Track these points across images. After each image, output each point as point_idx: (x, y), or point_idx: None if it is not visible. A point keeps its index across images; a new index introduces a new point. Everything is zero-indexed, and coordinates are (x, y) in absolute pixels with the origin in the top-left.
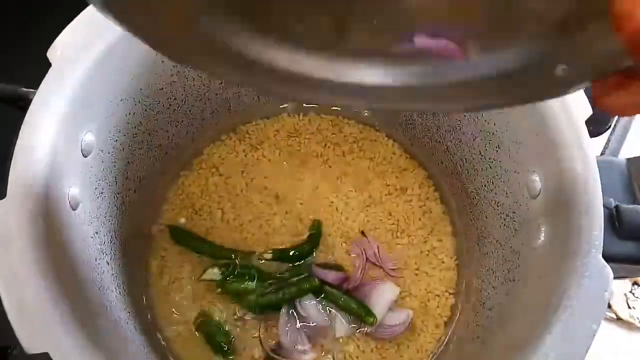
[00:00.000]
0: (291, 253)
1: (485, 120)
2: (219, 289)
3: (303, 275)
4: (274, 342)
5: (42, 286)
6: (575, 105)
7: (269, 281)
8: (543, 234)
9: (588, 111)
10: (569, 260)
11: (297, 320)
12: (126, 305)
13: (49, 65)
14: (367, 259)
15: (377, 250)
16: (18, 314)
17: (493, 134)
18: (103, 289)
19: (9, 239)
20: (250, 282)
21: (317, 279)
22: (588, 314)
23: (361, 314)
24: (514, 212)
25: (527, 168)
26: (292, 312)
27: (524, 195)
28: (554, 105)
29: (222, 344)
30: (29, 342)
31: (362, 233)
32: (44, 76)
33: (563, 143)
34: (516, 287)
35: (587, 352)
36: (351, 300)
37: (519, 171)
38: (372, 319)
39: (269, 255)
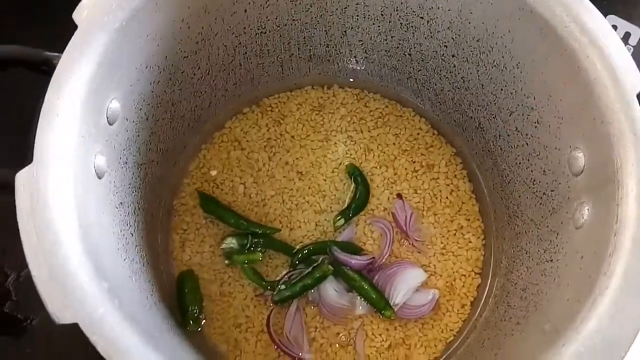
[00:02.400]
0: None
1: (524, 94)
2: (227, 261)
3: (316, 264)
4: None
5: (76, 252)
6: (627, 78)
7: (284, 273)
8: (587, 213)
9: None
10: (618, 237)
11: (302, 319)
12: (150, 277)
13: (74, 27)
14: (394, 230)
15: (409, 217)
16: (49, 281)
17: (532, 108)
18: (128, 260)
19: (41, 200)
20: (258, 254)
21: (331, 267)
22: (637, 294)
23: (380, 306)
24: (552, 191)
25: (570, 144)
26: (300, 308)
27: (564, 172)
28: (603, 77)
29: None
30: (59, 311)
31: (399, 195)
32: (68, 39)
33: (611, 118)
34: (554, 267)
35: (636, 335)
36: (372, 290)
37: (560, 147)
38: (389, 313)
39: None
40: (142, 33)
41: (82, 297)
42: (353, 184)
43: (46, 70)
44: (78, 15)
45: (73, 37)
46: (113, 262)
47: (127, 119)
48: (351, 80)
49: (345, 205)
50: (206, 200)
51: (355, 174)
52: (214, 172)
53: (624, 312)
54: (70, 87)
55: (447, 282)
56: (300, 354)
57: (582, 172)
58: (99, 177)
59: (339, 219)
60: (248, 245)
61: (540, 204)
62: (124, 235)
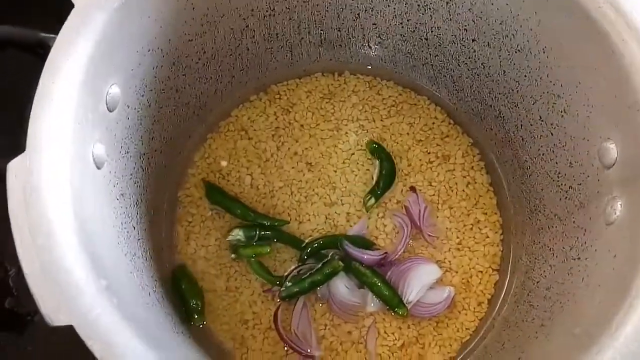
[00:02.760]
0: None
1: (550, 81)
2: (233, 255)
3: (327, 259)
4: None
5: (71, 246)
6: None
7: (292, 267)
8: (620, 208)
9: None
10: None
11: (309, 315)
12: (153, 272)
13: (71, 7)
14: (411, 224)
15: (423, 211)
16: (42, 279)
17: (559, 96)
18: (130, 255)
19: (34, 191)
20: (265, 247)
21: (341, 262)
22: None
23: (393, 304)
24: (580, 184)
25: (600, 134)
26: (307, 304)
27: (593, 165)
28: (638, 60)
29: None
30: (53, 312)
31: (412, 189)
32: (65, 20)
33: None
34: (582, 265)
35: None
36: (384, 287)
37: (589, 138)
38: (402, 311)
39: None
40: (144, 13)
41: (78, 297)
42: (377, 161)
43: (41, 52)
44: None
45: (69, 17)
46: (113, 258)
47: (129, 105)
48: (364, 66)
49: (374, 182)
50: (212, 190)
51: (377, 149)
52: (224, 163)
53: None
54: (66, 70)
55: (463, 279)
56: (308, 351)
57: (614, 164)
58: (98, 167)
59: (369, 199)
60: (256, 237)
61: (566, 198)
62: (125, 228)
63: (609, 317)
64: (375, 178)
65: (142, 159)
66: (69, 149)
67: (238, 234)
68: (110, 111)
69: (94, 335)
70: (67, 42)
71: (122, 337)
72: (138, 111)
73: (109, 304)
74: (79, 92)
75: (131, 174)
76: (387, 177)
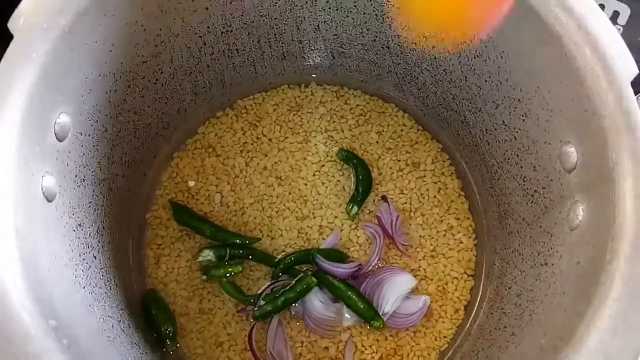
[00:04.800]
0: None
1: (510, 86)
2: (204, 276)
3: (300, 276)
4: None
5: (17, 289)
6: (619, 65)
7: (266, 285)
8: (582, 213)
9: (634, 71)
10: (616, 243)
11: (285, 334)
12: (118, 301)
13: (11, 37)
14: (383, 234)
15: (395, 220)
16: None
17: (519, 100)
18: (89, 287)
19: None
20: (237, 266)
21: (315, 279)
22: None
23: (368, 316)
24: (544, 188)
25: (560, 138)
26: (281, 322)
27: (555, 169)
28: (592, 65)
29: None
30: None
31: (384, 198)
32: (4, 51)
33: (604, 110)
34: (549, 272)
35: None
36: (359, 300)
37: (550, 142)
38: (378, 323)
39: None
40: (90, 39)
41: (25, 342)
42: (352, 168)
43: None
44: (14, 23)
45: (8, 49)
46: (67, 294)
47: (82, 132)
48: (330, 76)
49: (352, 189)
50: (179, 211)
51: (349, 156)
52: (192, 183)
53: (627, 327)
54: (7, 103)
55: (438, 287)
56: None
57: (574, 168)
58: (49, 200)
59: (352, 207)
60: (227, 257)
61: (532, 202)
62: (84, 259)
63: (573, 327)
64: (353, 185)
65: (101, 185)
66: (11, 185)
67: (209, 255)
68: (60, 141)
69: None
70: (6, 75)
71: None
72: (93, 138)
73: (59, 347)
74: (21, 126)
75: (90, 202)
76: (364, 181)
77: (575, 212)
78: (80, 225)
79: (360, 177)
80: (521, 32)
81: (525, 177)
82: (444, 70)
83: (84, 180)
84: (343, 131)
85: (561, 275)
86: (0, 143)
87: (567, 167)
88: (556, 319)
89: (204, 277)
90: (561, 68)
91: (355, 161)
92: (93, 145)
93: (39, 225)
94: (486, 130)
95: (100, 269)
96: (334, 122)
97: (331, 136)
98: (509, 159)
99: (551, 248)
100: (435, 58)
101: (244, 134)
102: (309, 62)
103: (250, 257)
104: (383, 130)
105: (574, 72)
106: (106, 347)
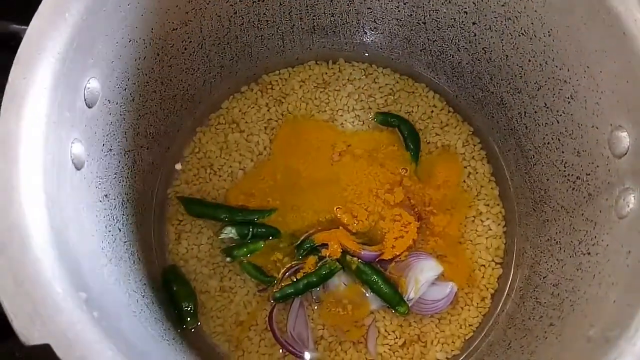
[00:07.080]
0: None
1: (556, 66)
2: (228, 258)
3: (323, 260)
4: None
5: (47, 258)
6: None
7: (288, 265)
8: (633, 201)
9: None
10: None
11: (306, 316)
12: (141, 276)
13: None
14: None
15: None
16: (14, 294)
17: (565, 81)
18: (115, 260)
19: (5, 198)
20: (259, 243)
21: (339, 264)
22: None
23: (393, 302)
24: (588, 175)
25: (611, 122)
26: (303, 304)
27: (603, 154)
28: None
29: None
30: (27, 329)
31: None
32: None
33: None
34: (593, 261)
35: None
36: (384, 284)
37: (598, 126)
38: (403, 309)
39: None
40: (123, 1)
41: (55, 314)
42: (395, 128)
43: (14, 45)
44: None
45: (40, 7)
46: (94, 266)
47: (110, 100)
48: (360, 53)
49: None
50: (190, 204)
51: (387, 117)
52: (178, 166)
53: None
54: (38, 65)
55: (465, 274)
56: (305, 353)
57: (626, 153)
58: (78, 168)
59: (411, 164)
60: (249, 235)
61: (573, 189)
62: (110, 231)
63: (626, 318)
64: (403, 144)
65: (126, 156)
66: (42, 150)
67: (231, 232)
68: (89, 107)
69: (74, 354)
70: (38, 35)
71: (104, 357)
72: (120, 106)
73: (89, 319)
74: (53, 89)
75: (115, 173)
76: (411, 135)
77: (626, 200)
78: (106, 196)
79: (406, 133)
80: (574, 9)
81: (566, 162)
82: (482, 48)
83: (110, 149)
84: (371, 110)
85: (608, 265)
86: (32, 105)
87: (617, 153)
88: (604, 310)
89: (228, 259)
90: (617, 47)
91: (394, 120)
92: (120, 114)
93: (67, 193)
94: (525, 113)
95: (125, 242)
96: (361, 100)
97: (358, 115)
98: (548, 143)
99: (595, 237)
100: (474, 35)
101: (268, 110)
102: (339, 37)
103: (272, 236)
104: (412, 111)
105: (633, 52)
106: (132, 322)
